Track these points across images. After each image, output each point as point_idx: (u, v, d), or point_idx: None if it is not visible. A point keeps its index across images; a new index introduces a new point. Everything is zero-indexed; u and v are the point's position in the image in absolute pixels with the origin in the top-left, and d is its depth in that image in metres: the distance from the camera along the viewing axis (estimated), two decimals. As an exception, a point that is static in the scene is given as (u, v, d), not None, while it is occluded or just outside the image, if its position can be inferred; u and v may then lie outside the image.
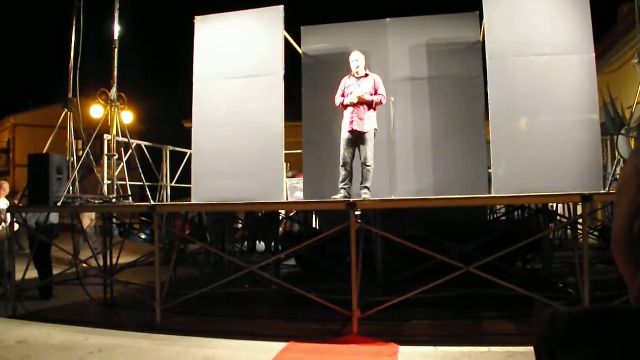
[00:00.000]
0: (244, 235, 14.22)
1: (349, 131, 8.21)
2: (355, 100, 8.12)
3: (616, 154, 8.88)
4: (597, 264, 9.54)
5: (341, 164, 8.26)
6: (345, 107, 8.26)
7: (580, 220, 8.00)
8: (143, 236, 17.62)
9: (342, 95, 8.33)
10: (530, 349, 0.76)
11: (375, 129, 8.26)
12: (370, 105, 8.20)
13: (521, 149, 7.77)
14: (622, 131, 8.79)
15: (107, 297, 9.83)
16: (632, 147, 8.65)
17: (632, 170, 0.76)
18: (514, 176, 7.69)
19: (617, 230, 0.78)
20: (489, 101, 8.00)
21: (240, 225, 14.24)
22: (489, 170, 8.49)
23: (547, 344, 0.71)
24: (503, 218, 13.92)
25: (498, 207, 14.23)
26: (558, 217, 12.37)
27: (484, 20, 8.28)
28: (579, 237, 8.07)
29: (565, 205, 12.33)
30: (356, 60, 8.35)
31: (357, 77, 8.33)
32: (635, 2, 8.22)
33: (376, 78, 8.38)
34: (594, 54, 7.89)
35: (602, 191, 7.34)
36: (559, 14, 8.01)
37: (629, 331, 0.65)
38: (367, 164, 8.12)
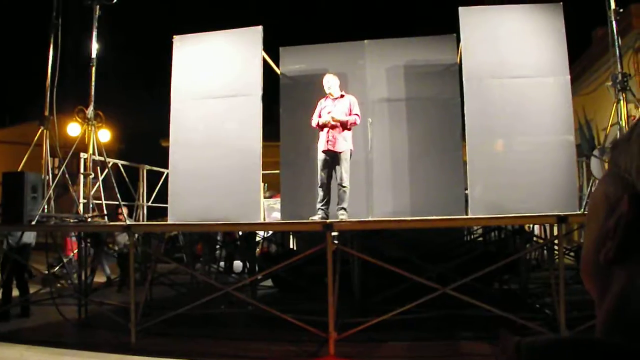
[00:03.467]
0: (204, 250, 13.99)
1: (323, 151, 8.23)
2: (330, 121, 8.14)
3: (592, 175, 8.98)
4: (573, 285, 9.59)
5: (319, 185, 8.26)
6: (321, 128, 8.29)
7: (556, 241, 8.06)
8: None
9: (319, 116, 8.36)
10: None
11: (351, 150, 8.28)
12: (345, 126, 8.23)
13: (498, 170, 7.84)
14: (595, 153, 8.88)
15: (81, 317, 9.68)
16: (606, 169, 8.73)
17: (602, 196, 0.75)
18: (491, 197, 7.73)
19: (586, 256, 0.77)
20: (465, 123, 8.06)
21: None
22: (466, 192, 8.53)
23: None
24: (480, 239, 13.96)
25: (475, 227, 14.28)
26: (534, 238, 12.45)
27: (461, 43, 8.39)
28: (555, 257, 8.11)
29: (542, 226, 12.42)
30: (327, 82, 8.45)
31: (333, 99, 8.38)
32: (609, 26, 8.37)
33: (352, 99, 8.42)
34: (570, 77, 8.02)
35: (578, 212, 7.40)
36: (535, 37, 8.13)
37: None
38: (343, 184, 8.12)
